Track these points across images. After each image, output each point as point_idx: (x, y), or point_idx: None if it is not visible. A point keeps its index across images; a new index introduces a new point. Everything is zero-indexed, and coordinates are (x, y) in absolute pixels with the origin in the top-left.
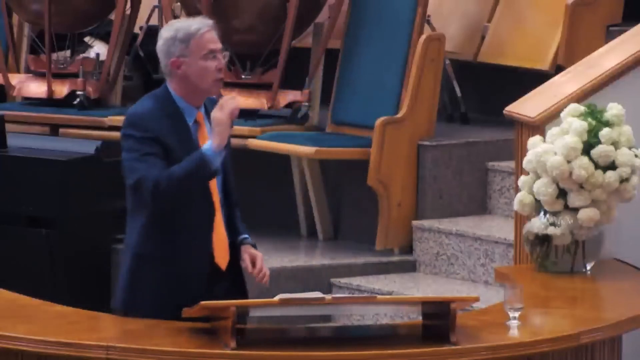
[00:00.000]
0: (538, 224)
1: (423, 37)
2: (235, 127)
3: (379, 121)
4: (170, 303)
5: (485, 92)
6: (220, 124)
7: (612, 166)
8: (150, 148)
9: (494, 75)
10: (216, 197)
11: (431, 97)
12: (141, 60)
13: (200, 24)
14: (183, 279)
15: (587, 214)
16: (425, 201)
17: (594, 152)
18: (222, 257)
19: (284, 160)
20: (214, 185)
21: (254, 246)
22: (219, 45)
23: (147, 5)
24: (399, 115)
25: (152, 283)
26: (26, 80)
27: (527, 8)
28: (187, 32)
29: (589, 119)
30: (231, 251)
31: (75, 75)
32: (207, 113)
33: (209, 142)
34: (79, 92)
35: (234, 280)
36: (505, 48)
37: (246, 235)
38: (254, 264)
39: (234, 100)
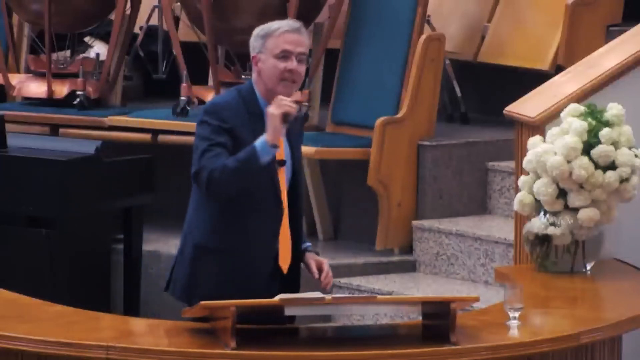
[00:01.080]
0: (538, 224)
1: (423, 37)
2: None
3: (379, 121)
4: (229, 298)
5: (485, 92)
6: (273, 119)
7: (612, 166)
8: (221, 138)
9: (494, 75)
10: (285, 200)
11: (431, 97)
12: (141, 60)
13: (282, 24)
14: (244, 275)
15: (587, 214)
16: (425, 201)
17: (594, 152)
18: (285, 259)
19: None
20: (284, 188)
21: (317, 254)
22: (298, 49)
23: (147, 5)
24: (399, 115)
25: (214, 276)
26: (26, 80)
27: (527, 8)
28: (267, 29)
29: (589, 119)
30: (293, 255)
31: (75, 75)
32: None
33: (263, 136)
34: (79, 92)
35: (290, 284)
36: (505, 48)
37: (309, 243)
38: (320, 270)
39: (291, 103)
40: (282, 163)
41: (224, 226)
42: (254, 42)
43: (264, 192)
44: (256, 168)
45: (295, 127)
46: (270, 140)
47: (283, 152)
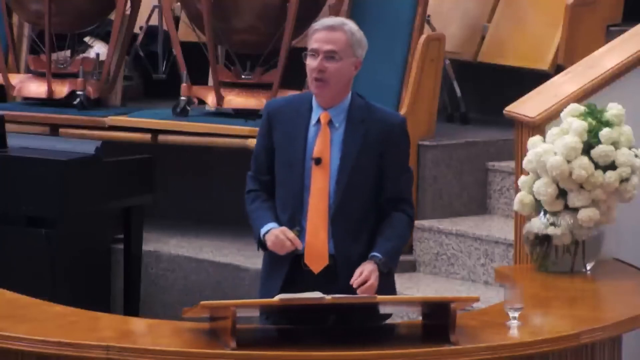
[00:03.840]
0: (538, 224)
1: (423, 37)
2: (235, 127)
3: None
4: (266, 293)
5: (485, 92)
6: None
7: (612, 166)
8: (260, 138)
9: (494, 75)
10: (318, 205)
11: (431, 97)
12: (141, 60)
13: (319, 23)
14: (272, 272)
15: (587, 214)
16: (425, 201)
17: (594, 152)
18: (314, 260)
19: None
20: (320, 186)
21: (382, 264)
22: (325, 46)
23: (147, 5)
24: None
25: (262, 270)
26: (26, 80)
27: (527, 8)
28: (309, 29)
29: (589, 119)
30: (335, 262)
31: (75, 75)
32: (352, 119)
33: (271, 231)
34: (79, 92)
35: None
36: (505, 48)
37: (376, 253)
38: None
39: (289, 244)
40: (317, 161)
41: None
42: None
43: (289, 189)
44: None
45: (360, 127)
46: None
47: (325, 149)
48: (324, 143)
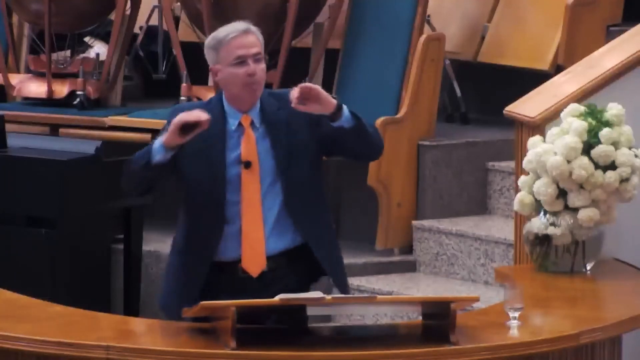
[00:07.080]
0: (538, 224)
1: (423, 37)
2: None
3: (379, 121)
4: (175, 300)
5: (485, 92)
6: (173, 125)
7: (612, 166)
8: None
9: (494, 75)
10: (251, 209)
11: (431, 97)
12: (141, 60)
13: (230, 29)
14: (183, 278)
15: (587, 214)
16: (425, 201)
17: (594, 152)
18: (251, 265)
19: None
20: (251, 189)
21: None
22: (251, 50)
23: (147, 5)
24: (399, 115)
25: (168, 276)
26: (26, 80)
27: (527, 8)
28: (217, 39)
29: (589, 119)
30: (274, 260)
31: (75, 75)
32: (267, 114)
33: (163, 136)
34: (79, 92)
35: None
36: (505, 48)
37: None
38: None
39: (190, 114)
40: (247, 165)
41: (179, 229)
42: (208, 55)
43: (209, 199)
44: (147, 164)
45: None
46: (164, 142)
47: (253, 152)
48: (251, 145)
